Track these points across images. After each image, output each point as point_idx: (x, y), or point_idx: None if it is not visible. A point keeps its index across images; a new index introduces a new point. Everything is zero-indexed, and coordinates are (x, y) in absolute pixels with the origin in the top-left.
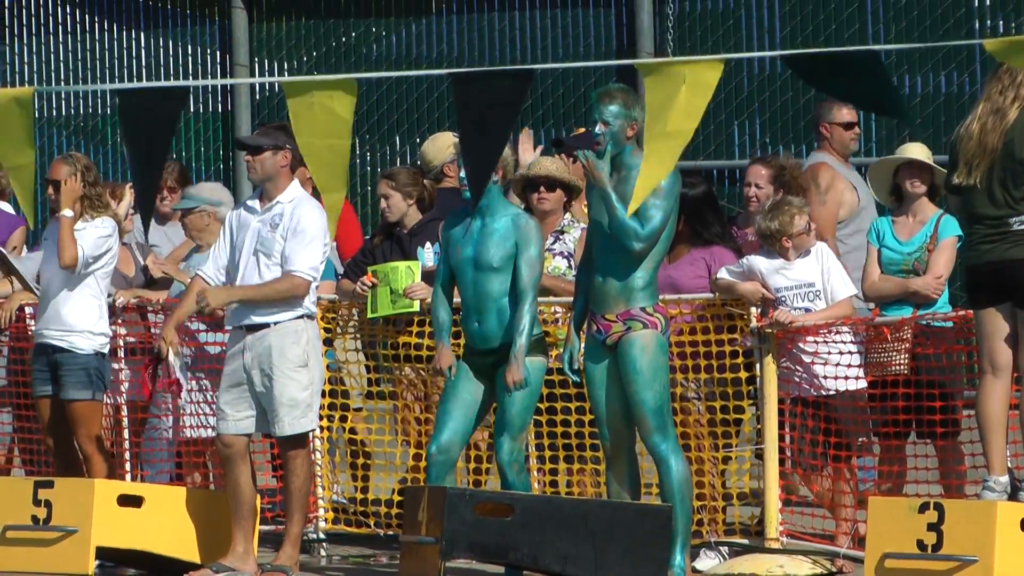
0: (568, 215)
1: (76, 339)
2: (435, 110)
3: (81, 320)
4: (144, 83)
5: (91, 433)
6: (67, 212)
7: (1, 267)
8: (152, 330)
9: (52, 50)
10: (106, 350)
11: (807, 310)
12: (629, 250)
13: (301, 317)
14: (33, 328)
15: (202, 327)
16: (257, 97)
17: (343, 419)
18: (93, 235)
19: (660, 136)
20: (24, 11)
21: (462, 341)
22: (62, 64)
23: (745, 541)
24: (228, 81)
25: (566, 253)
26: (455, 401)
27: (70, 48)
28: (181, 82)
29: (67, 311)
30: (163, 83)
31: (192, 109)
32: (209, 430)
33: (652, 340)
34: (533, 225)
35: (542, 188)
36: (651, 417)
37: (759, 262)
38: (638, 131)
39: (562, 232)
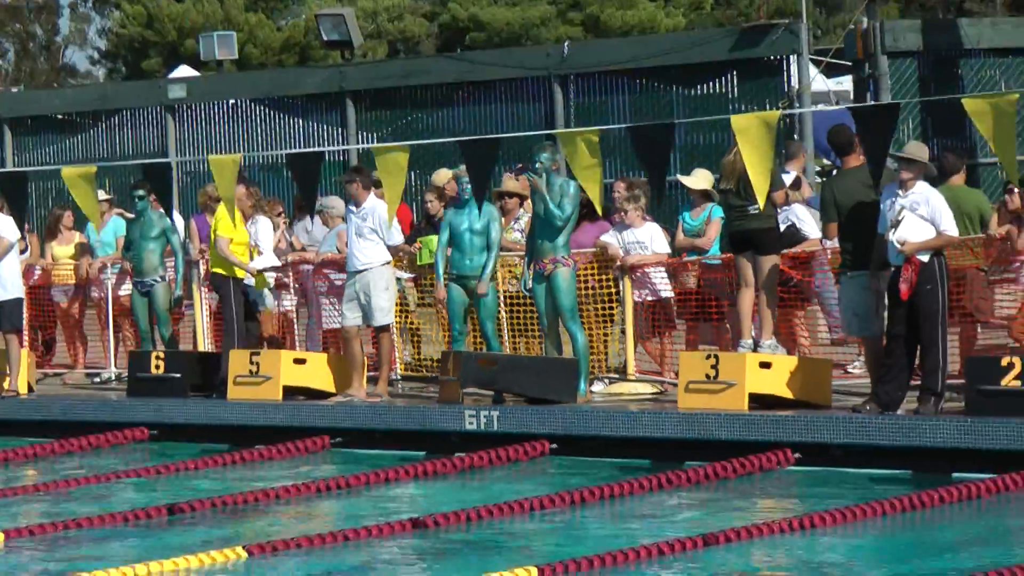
0: (522, 210)
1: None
2: (451, 156)
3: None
4: (306, 150)
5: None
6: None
7: None
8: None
9: (232, 130)
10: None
11: (641, 252)
12: (556, 226)
13: (384, 264)
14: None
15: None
16: (359, 152)
17: (405, 317)
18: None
19: (583, 168)
20: (216, 104)
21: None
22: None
23: (617, 376)
24: (346, 147)
25: (519, 229)
26: (454, 307)
27: (244, 128)
28: (318, 148)
29: None
30: (316, 149)
31: (326, 160)
32: (336, 323)
33: (568, 273)
34: (497, 214)
35: (506, 197)
36: (568, 312)
37: (613, 236)
38: (559, 165)
39: (518, 219)
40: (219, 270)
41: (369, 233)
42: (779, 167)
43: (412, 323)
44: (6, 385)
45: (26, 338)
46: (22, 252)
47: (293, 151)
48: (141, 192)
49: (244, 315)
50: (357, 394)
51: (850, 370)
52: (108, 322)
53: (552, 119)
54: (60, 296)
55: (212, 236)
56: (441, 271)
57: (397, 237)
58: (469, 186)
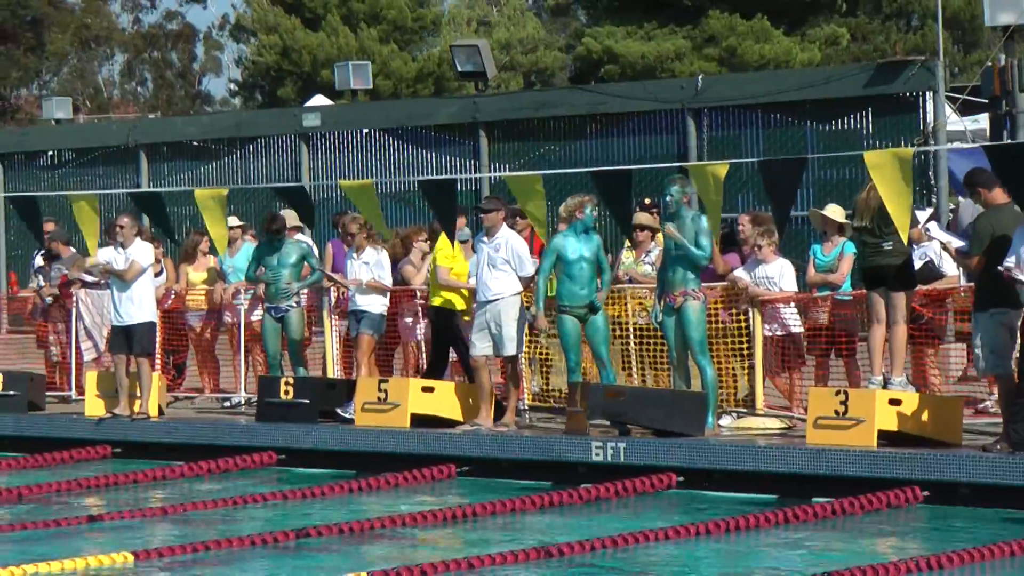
0: (653, 243)
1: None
2: (583, 189)
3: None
4: (441, 176)
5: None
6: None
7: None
8: None
9: (384, 159)
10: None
11: (770, 288)
12: (700, 265)
13: (515, 294)
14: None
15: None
16: (492, 182)
17: (535, 346)
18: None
19: (712, 204)
20: (349, 133)
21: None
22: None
23: (745, 410)
24: (478, 175)
25: (650, 263)
26: (569, 339)
27: (376, 157)
28: (451, 176)
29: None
30: (450, 176)
31: (459, 189)
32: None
33: (698, 306)
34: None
35: (637, 230)
36: (697, 346)
37: (744, 271)
38: (690, 198)
39: (649, 252)
40: (439, 301)
41: (502, 264)
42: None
43: (542, 353)
44: (137, 408)
45: (158, 362)
46: (156, 276)
47: (427, 178)
48: (276, 227)
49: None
50: (484, 423)
51: (980, 408)
52: (240, 347)
53: (685, 152)
54: (194, 320)
55: (432, 267)
56: (543, 299)
57: (529, 268)
58: (592, 213)
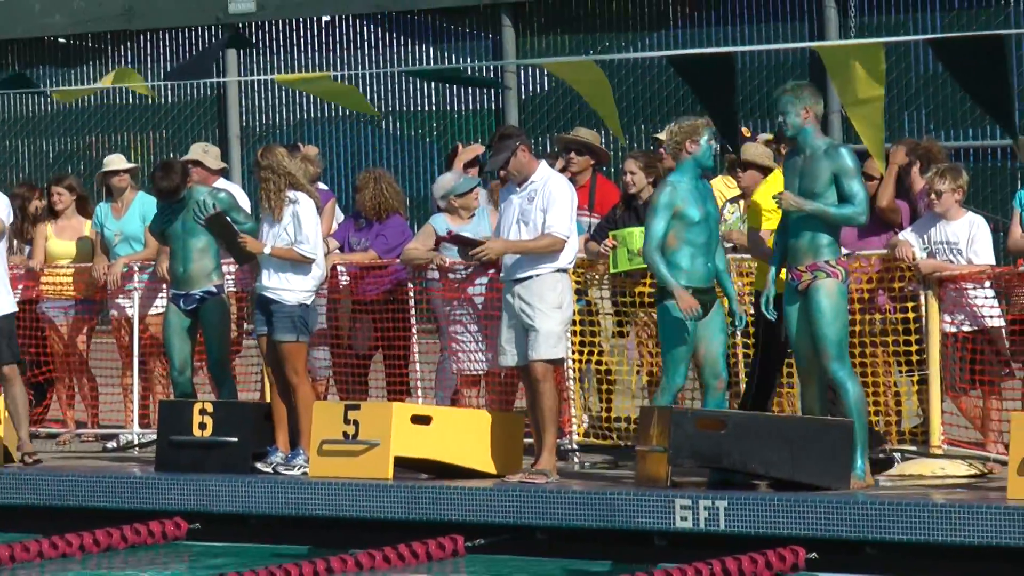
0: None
1: (284, 293)
2: (670, 100)
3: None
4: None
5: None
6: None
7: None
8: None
9: (352, 59)
10: (310, 301)
11: (950, 262)
12: (860, 226)
13: (557, 271)
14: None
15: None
16: (522, 96)
17: (591, 353)
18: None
19: (856, 103)
20: (339, 31)
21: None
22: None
23: (913, 448)
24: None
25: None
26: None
27: (372, 59)
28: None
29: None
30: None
31: (470, 107)
32: (482, 364)
33: (834, 286)
34: None
35: (739, 169)
36: (831, 348)
37: (912, 233)
38: (814, 113)
39: None
40: None
41: (536, 221)
42: None
43: (601, 361)
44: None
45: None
46: None
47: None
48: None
49: None
50: (547, 471)
51: None
52: (133, 356)
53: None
54: (57, 315)
55: None
56: (667, 271)
57: (565, 226)
58: (710, 144)
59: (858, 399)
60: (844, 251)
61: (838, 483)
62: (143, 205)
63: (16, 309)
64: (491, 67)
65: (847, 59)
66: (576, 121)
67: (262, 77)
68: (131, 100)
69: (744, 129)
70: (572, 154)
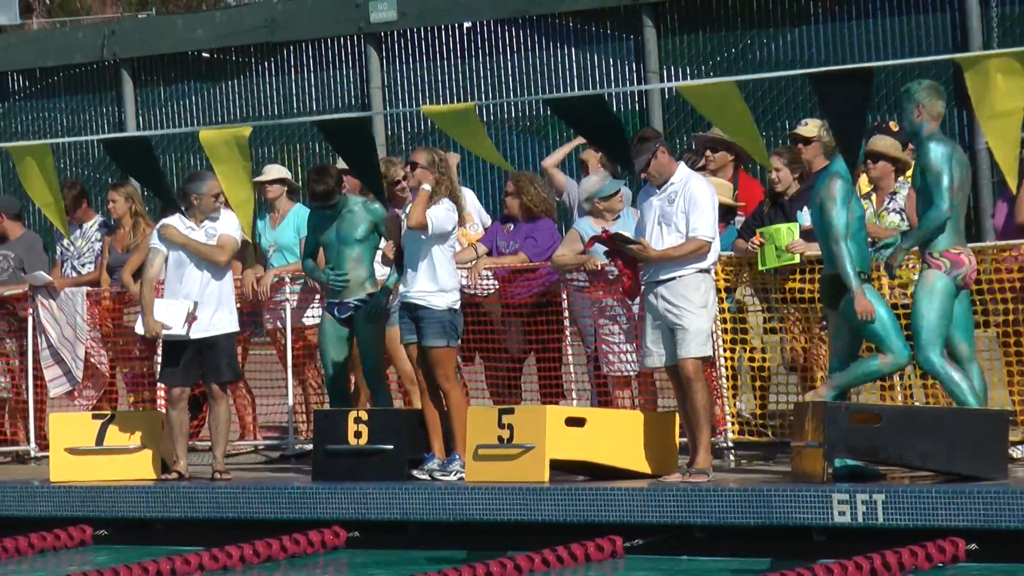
0: (900, 180)
1: (431, 298)
2: (806, 103)
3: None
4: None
5: (447, 373)
6: (426, 185)
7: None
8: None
9: (495, 64)
10: (457, 305)
11: None
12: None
13: (700, 271)
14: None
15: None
16: (665, 97)
17: (743, 349)
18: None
19: (991, 117)
20: (480, 37)
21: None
22: (501, 76)
23: None
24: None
25: (897, 210)
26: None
27: (512, 63)
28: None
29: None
30: (607, 89)
31: (613, 108)
32: (630, 365)
33: (932, 277)
34: None
35: (869, 161)
36: (918, 336)
37: None
38: (928, 112)
39: (893, 195)
40: None
41: (678, 222)
42: None
43: (753, 358)
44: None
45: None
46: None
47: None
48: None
49: None
50: (703, 469)
51: None
52: (287, 365)
53: (964, 40)
54: None
55: None
56: (852, 267)
57: (710, 227)
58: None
59: (961, 385)
60: (986, 244)
61: (995, 473)
62: (298, 217)
63: (239, 329)
64: (631, 69)
65: (987, 70)
66: None
67: (406, 109)
68: (282, 111)
69: (891, 123)
70: (708, 151)
